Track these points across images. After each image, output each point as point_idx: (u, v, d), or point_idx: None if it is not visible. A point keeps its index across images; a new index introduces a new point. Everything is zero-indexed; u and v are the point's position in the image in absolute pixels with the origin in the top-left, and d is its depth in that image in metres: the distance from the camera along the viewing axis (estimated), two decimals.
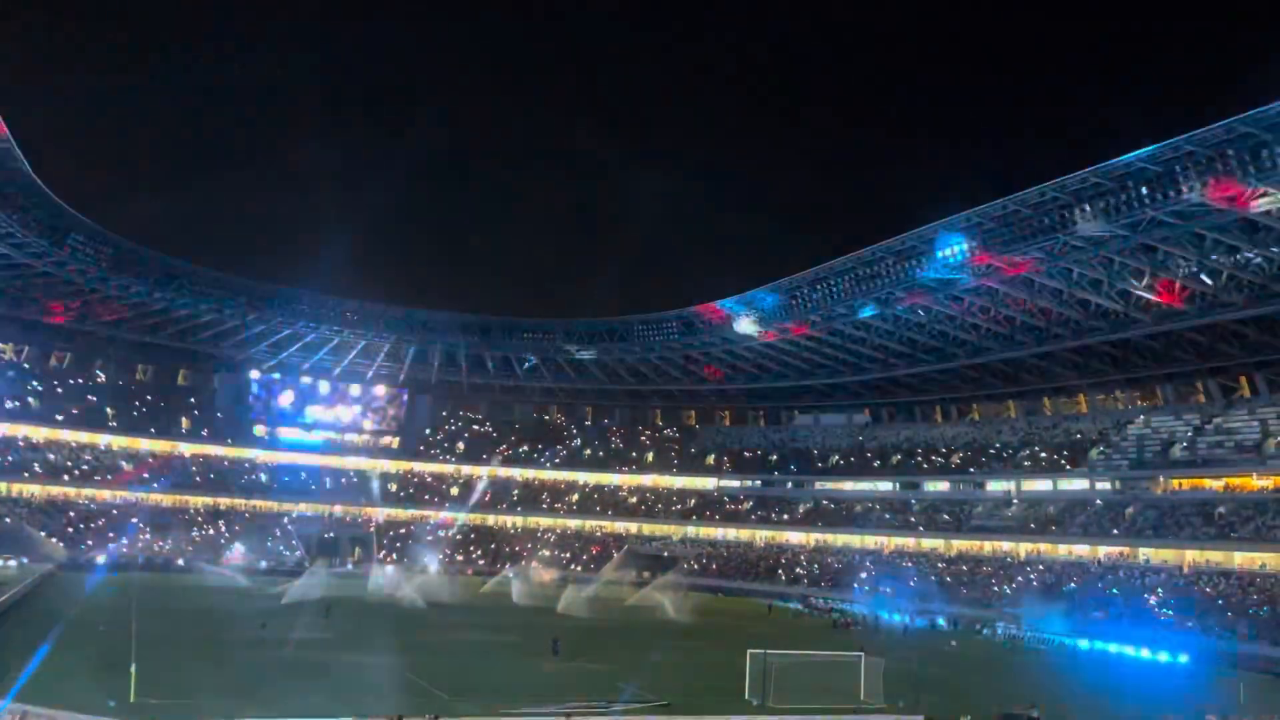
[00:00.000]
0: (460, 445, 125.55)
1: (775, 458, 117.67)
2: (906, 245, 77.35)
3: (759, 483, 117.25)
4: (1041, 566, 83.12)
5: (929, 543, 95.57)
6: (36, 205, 79.64)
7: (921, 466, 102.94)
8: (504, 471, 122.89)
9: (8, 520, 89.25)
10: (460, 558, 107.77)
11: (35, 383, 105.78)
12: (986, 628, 72.21)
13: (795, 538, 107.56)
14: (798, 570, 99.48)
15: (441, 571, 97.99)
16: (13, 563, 78.83)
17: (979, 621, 73.89)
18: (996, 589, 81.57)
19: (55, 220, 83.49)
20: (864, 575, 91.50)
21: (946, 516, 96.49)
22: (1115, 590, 73.82)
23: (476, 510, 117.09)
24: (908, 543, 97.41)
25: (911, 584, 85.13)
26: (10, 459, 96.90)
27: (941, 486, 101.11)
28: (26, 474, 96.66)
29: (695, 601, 79.37)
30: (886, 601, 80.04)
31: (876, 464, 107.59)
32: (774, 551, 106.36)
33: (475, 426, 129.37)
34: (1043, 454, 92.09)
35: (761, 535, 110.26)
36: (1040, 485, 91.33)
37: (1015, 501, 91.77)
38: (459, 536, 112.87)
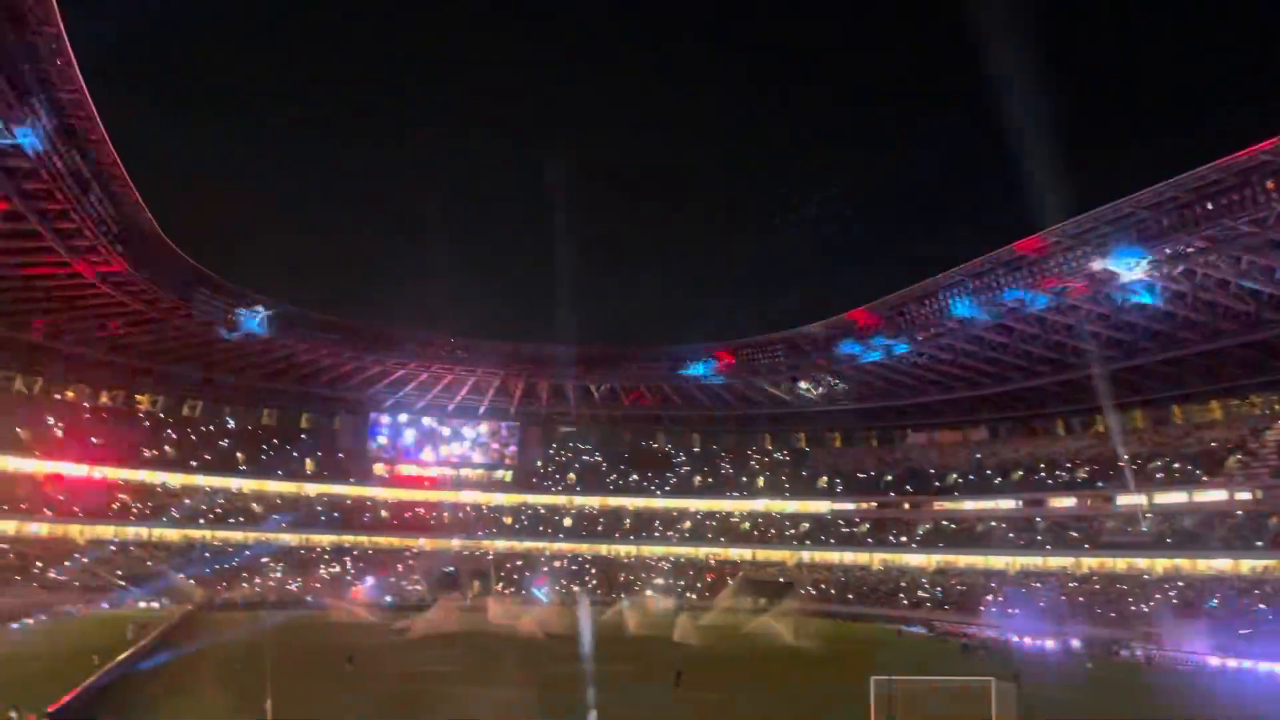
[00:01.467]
0: (571, 476, 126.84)
1: (890, 478, 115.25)
2: (1016, 254, 75.28)
3: (874, 504, 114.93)
4: (1180, 582, 79.15)
5: (1057, 561, 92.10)
6: (167, 262, 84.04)
7: (1045, 482, 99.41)
8: (615, 501, 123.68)
9: (149, 564, 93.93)
10: (576, 587, 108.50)
11: (170, 431, 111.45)
12: (1124, 648, 68.96)
13: (915, 560, 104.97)
14: (920, 594, 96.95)
15: (558, 602, 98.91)
16: (155, 604, 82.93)
17: (1115, 642, 70.61)
18: (1133, 608, 77.96)
19: (184, 275, 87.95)
20: (990, 597, 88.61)
21: (1074, 533, 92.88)
22: (1262, 605, 69.74)
23: (590, 540, 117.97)
24: (1034, 562, 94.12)
25: (1041, 605, 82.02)
26: (150, 505, 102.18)
27: (1068, 502, 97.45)
28: (165, 519, 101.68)
29: (814, 627, 78.06)
30: (1015, 624, 77.29)
31: (997, 481, 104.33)
32: (893, 574, 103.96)
33: (585, 457, 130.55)
34: (1175, 465, 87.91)
35: (879, 558, 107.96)
36: (1175, 497, 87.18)
37: (1148, 515, 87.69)
38: (574, 567, 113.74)
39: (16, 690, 32.51)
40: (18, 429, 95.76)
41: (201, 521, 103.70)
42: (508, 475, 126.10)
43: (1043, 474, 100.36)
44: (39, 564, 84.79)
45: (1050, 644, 71.60)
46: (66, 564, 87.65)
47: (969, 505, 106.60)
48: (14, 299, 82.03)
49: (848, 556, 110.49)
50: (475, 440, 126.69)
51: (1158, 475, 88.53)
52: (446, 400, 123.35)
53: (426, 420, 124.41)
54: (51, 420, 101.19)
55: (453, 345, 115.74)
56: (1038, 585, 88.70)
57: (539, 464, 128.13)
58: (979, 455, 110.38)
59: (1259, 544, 75.40)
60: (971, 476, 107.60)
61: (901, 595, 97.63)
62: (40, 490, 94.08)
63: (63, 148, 59.45)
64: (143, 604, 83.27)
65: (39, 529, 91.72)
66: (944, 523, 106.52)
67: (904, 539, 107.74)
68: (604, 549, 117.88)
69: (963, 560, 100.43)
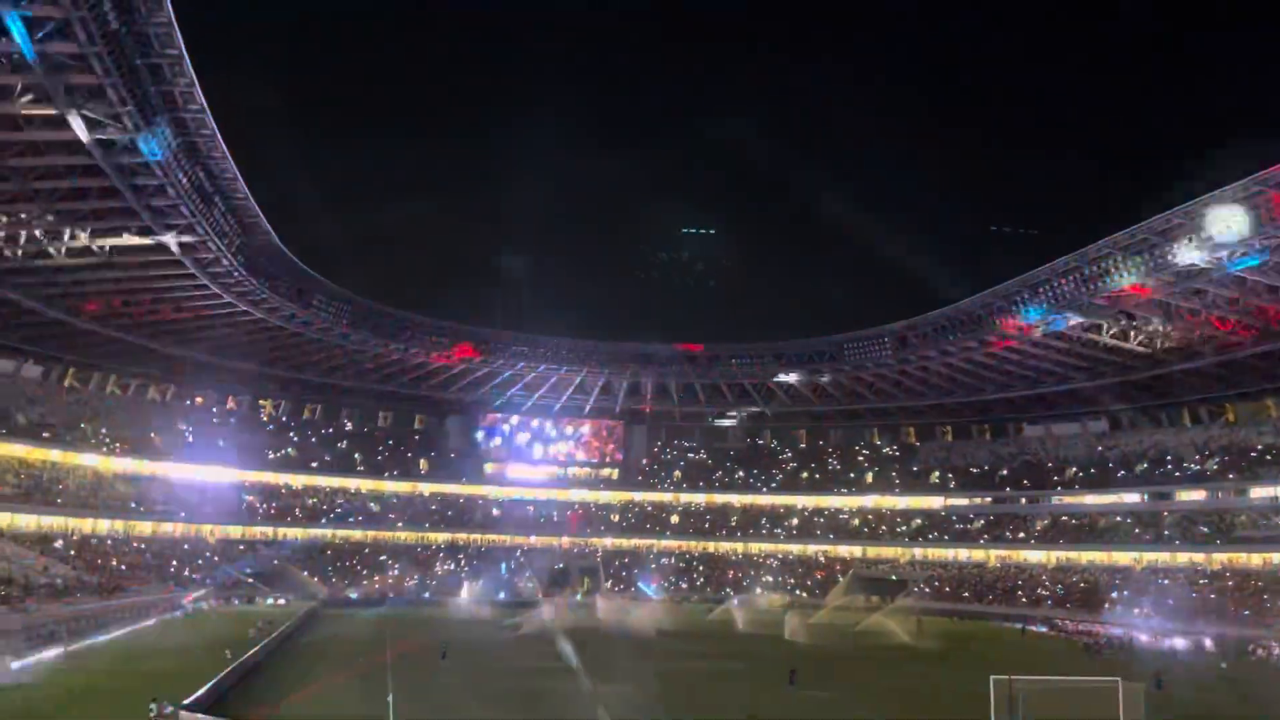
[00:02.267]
0: (677, 473, 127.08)
1: (1005, 473, 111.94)
2: (1136, 238, 71.98)
3: (989, 500, 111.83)
4: None
5: (1185, 557, 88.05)
6: (284, 271, 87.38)
7: (1172, 475, 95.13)
8: (721, 498, 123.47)
9: (275, 562, 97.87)
10: (684, 585, 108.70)
11: (293, 434, 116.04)
12: (1260, 648, 65.43)
13: (1034, 556, 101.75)
14: (1040, 591, 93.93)
15: (666, 599, 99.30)
16: (281, 600, 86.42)
17: (1252, 641, 67.05)
18: (1269, 605, 73.94)
19: (301, 283, 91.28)
20: (1114, 594, 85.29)
21: (1204, 528, 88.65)
22: None
23: (697, 537, 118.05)
24: (1162, 558, 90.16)
25: (1169, 602, 78.50)
26: (276, 505, 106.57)
27: (1197, 495, 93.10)
28: (289, 519, 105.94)
29: (929, 626, 76.49)
30: (1142, 622, 74.19)
31: (1120, 474, 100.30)
32: (1010, 572, 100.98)
33: (690, 454, 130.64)
34: None
35: (996, 555, 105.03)
36: None
37: None
38: (681, 564, 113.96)
39: (156, 682, 34.28)
40: (152, 434, 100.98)
41: (323, 521, 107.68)
42: (614, 473, 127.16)
43: (1169, 466, 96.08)
44: (174, 563, 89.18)
45: (1180, 643, 68.49)
46: (199, 562, 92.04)
47: (1090, 499, 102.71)
48: (145, 311, 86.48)
49: (962, 553, 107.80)
50: (581, 439, 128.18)
51: None
52: (553, 400, 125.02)
53: (534, 420, 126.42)
54: (183, 425, 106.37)
55: (558, 346, 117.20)
56: (1165, 582, 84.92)
57: (644, 462, 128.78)
58: (1100, 447, 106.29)
59: None
60: (1092, 470, 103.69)
61: (1020, 593, 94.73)
62: (174, 492, 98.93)
63: (186, 164, 62.32)
64: (269, 600, 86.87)
65: (173, 529, 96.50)
66: (1064, 518, 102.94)
67: (1021, 535, 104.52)
68: (711, 546, 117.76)
69: (1085, 556, 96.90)
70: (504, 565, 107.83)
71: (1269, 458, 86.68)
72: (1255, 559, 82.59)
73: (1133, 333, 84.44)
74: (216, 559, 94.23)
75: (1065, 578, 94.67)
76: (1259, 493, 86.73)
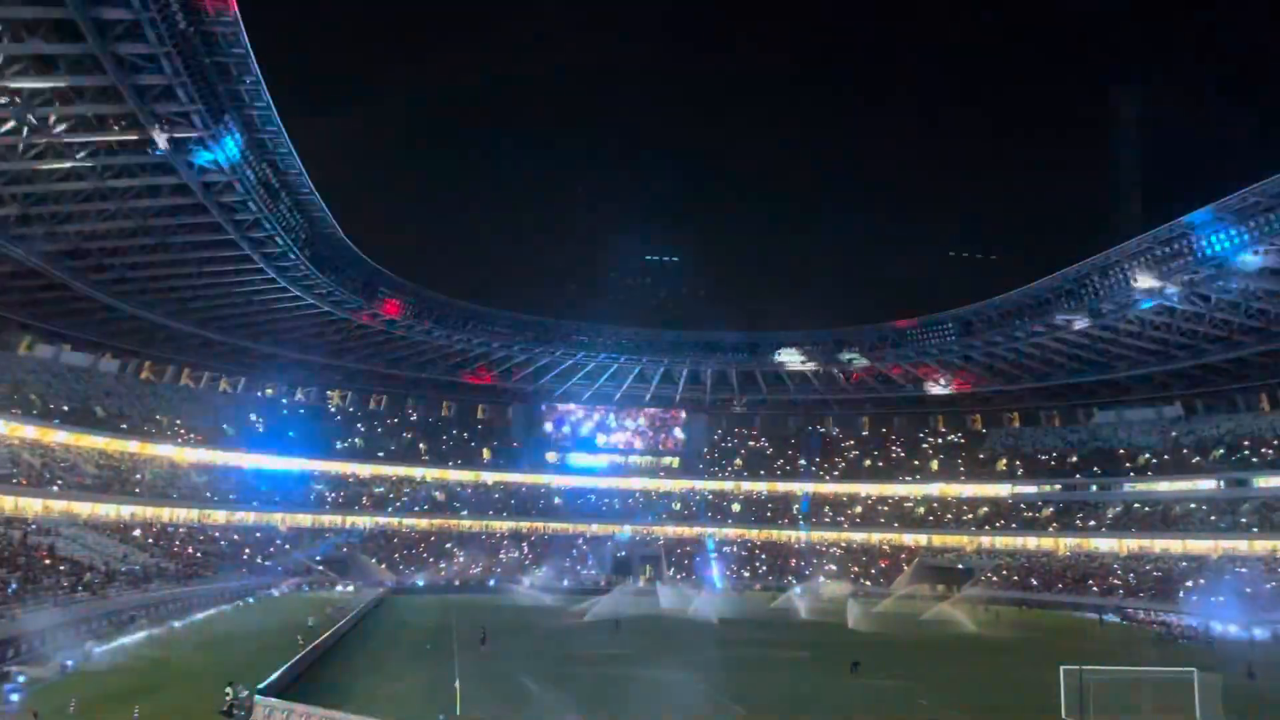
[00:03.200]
0: (738, 462, 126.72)
1: (1075, 459, 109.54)
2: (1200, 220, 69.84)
3: (1059, 487, 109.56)
4: None
5: (1265, 545, 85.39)
6: (350, 264, 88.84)
7: (1250, 461, 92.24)
8: (783, 486, 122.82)
9: (344, 549, 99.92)
10: (746, 573, 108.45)
11: (359, 424, 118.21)
12: None
13: (1105, 545, 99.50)
14: (1112, 580, 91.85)
15: (728, 587, 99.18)
16: (350, 587, 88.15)
17: None
18: None
19: (368, 276, 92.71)
20: (1189, 584, 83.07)
21: None
22: None
23: (759, 526, 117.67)
24: (1239, 546, 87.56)
25: (1247, 591, 76.15)
26: (344, 494, 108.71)
27: (1276, 482, 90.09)
28: (357, 507, 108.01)
29: (997, 615, 75.35)
30: (1219, 611, 72.10)
31: (1195, 460, 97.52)
32: (1081, 560, 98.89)
33: (751, 443, 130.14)
34: None
35: (1065, 543, 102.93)
36: None
37: None
38: (744, 552, 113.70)
39: (232, 668, 35.23)
40: (225, 425, 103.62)
41: (389, 509, 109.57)
42: (675, 461, 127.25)
43: (1246, 452, 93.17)
44: (246, 550, 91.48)
45: (1258, 633, 66.43)
46: (270, 550, 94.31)
47: (1164, 486, 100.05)
48: (216, 304, 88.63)
49: (1031, 541, 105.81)
50: (641, 428, 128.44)
51: None
52: (614, 388, 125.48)
53: (595, 409, 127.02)
54: (254, 416, 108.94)
55: (619, 335, 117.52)
56: (1243, 571, 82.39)
57: (705, 450, 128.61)
58: (1174, 433, 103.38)
59: None
60: (1166, 456, 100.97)
61: (1090, 582, 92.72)
62: (246, 481, 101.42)
63: (254, 160, 63.67)
64: (339, 587, 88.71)
65: (245, 517, 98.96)
66: (1136, 505, 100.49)
67: (1092, 523, 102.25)
68: (773, 534, 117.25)
69: (1158, 545, 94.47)
70: (567, 553, 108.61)
71: None
72: None
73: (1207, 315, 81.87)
74: (287, 547, 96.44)
75: (1138, 566, 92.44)
76: None
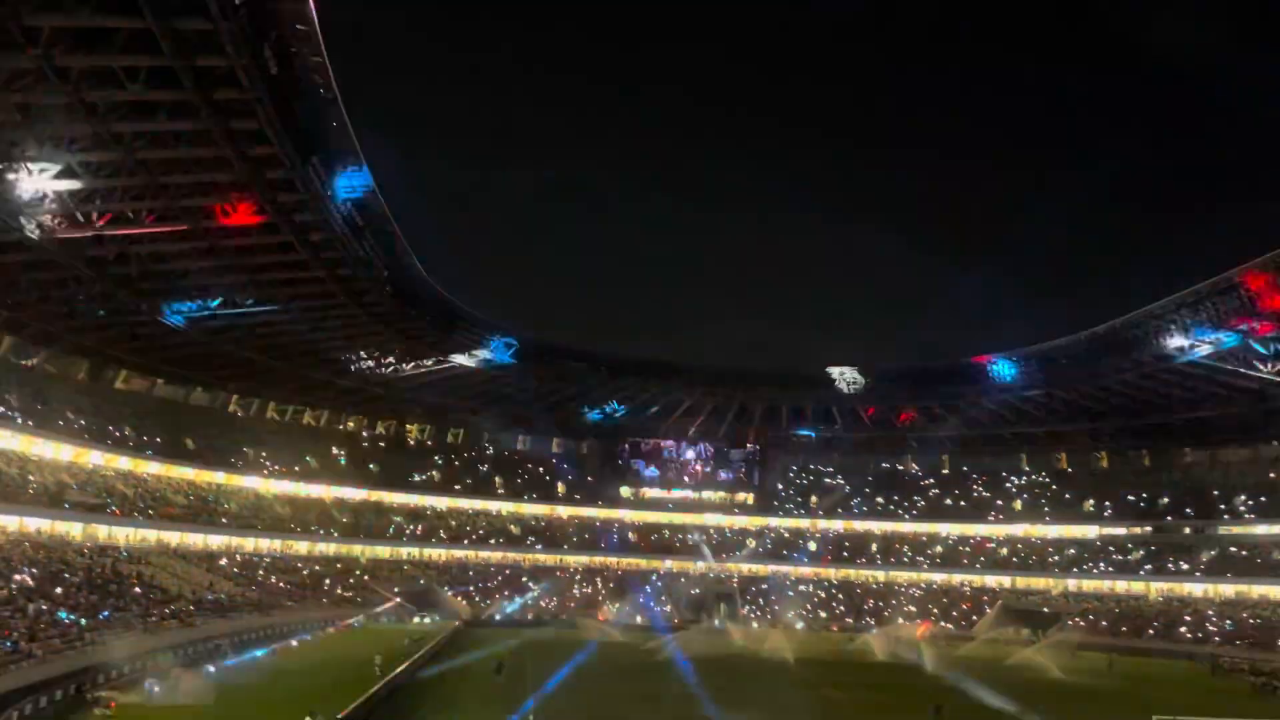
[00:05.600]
0: (814, 499, 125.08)
1: (1166, 500, 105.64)
2: None
3: (1149, 529, 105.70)
4: None
5: None
6: (430, 300, 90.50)
7: None
8: (860, 524, 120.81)
9: (422, 581, 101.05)
10: (823, 613, 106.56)
11: (437, 457, 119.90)
12: None
13: (1199, 589, 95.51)
14: (1208, 626, 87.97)
15: (805, 627, 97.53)
16: (428, 619, 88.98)
17: None
18: None
19: (445, 312, 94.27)
20: None
21: None
22: None
23: (835, 565, 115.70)
24: None
25: None
26: (422, 527, 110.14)
27: None
28: (434, 539, 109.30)
29: (1086, 662, 72.67)
30: None
31: None
32: (1173, 606, 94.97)
33: (827, 480, 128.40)
34: None
35: (1157, 587, 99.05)
36: None
37: None
38: (820, 592, 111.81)
39: (312, 697, 35.80)
40: (309, 458, 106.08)
41: (465, 542, 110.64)
42: (749, 498, 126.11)
43: None
44: (327, 581, 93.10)
45: None
46: (350, 580, 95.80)
47: (1261, 530, 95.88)
48: (304, 339, 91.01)
49: (1120, 585, 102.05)
50: (718, 463, 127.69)
51: None
52: (689, 424, 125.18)
53: (669, 444, 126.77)
54: (335, 449, 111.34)
55: (693, 371, 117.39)
56: None
57: (780, 487, 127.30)
58: (1271, 474, 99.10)
59: None
60: (1263, 498, 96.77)
61: (1184, 628, 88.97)
62: (327, 513, 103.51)
63: (339, 199, 65.47)
64: (416, 619, 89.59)
65: (326, 548, 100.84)
66: (1232, 549, 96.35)
67: (1185, 566, 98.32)
68: (850, 574, 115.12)
69: (1256, 590, 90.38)
70: (640, 589, 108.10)
71: None
72: None
73: None
74: (366, 578, 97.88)
75: (1235, 612, 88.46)
76: None
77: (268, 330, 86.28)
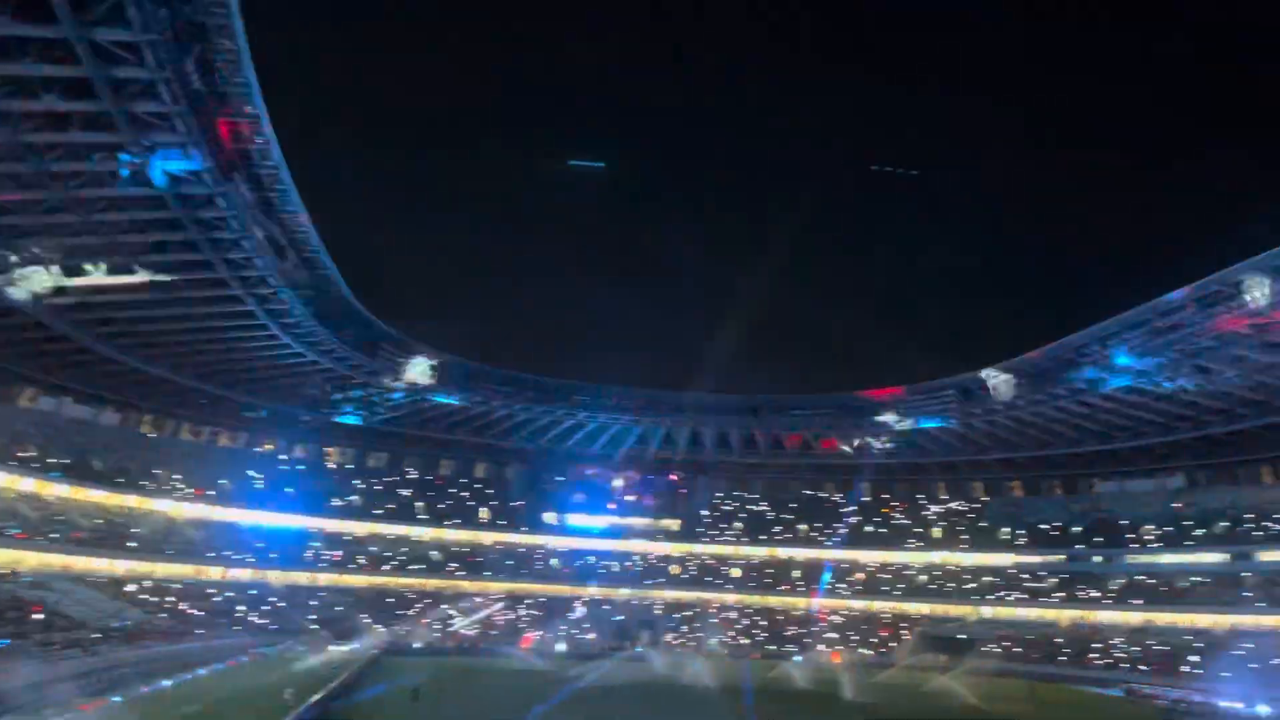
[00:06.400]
0: (738, 526, 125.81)
1: (1078, 530, 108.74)
2: (1210, 290, 70.32)
3: (1063, 558, 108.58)
4: None
5: (1271, 620, 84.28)
6: (353, 321, 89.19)
7: (1253, 534, 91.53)
8: (784, 552, 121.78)
9: (339, 608, 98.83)
10: (745, 640, 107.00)
11: (357, 481, 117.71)
12: None
13: (1109, 617, 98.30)
14: (1115, 654, 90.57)
15: (727, 654, 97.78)
16: (345, 647, 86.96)
17: None
18: None
19: (369, 334, 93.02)
20: (1195, 659, 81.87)
21: None
22: None
23: (758, 591, 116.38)
24: (1244, 620, 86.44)
25: (1254, 667, 75.01)
26: (340, 553, 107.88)
27: (1279, 556, 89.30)
28: (353, 566, 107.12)
29: (1000, 688, 74.16)
30: (1226, 688, 70.91)
31: (1198, 532, 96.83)
32: (1084, 633, 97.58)
33: (751, 507, 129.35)
34: None
35: (1068, 615, 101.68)
36: None
37: None
38: (743, 619, 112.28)
39: None
40: (223, 481, 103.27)
41: (386, 568, 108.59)
42: (674, 525, 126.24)
43: (1249, 525, 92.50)
44: (241, 608, 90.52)
45: (1263, 711, 65.23)
46: (265, 608, 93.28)
47: (1167, 559, 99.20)
48: (218, 359, 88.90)
49: (1034, 613, 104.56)
50: (643, 490, 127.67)
51: None
52: (614, 449, 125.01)
53: (595, 469, 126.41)
54: (252, 472, 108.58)
55: (620, 396, 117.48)
56: (1251, 646, 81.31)
57: (705, 514, 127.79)
58: (1177, 505, 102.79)
59: None
60: (1169, 528, 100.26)
61: (1094, 655, 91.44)
62: (243, 538, 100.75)
63: (261, 218, 64.35)
64: (331, 647, 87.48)
65: (240, 574, 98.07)
66: (1140, 577, 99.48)
67: (1095, 595, 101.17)
68: (773, 600, 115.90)
69: (1162, 618, 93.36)
70: (564, 616, 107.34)
71: None
72: None
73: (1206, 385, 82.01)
74: (283, 605, 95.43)
75: (1142, 639, 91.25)
76: None
77: (182, 349, 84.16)
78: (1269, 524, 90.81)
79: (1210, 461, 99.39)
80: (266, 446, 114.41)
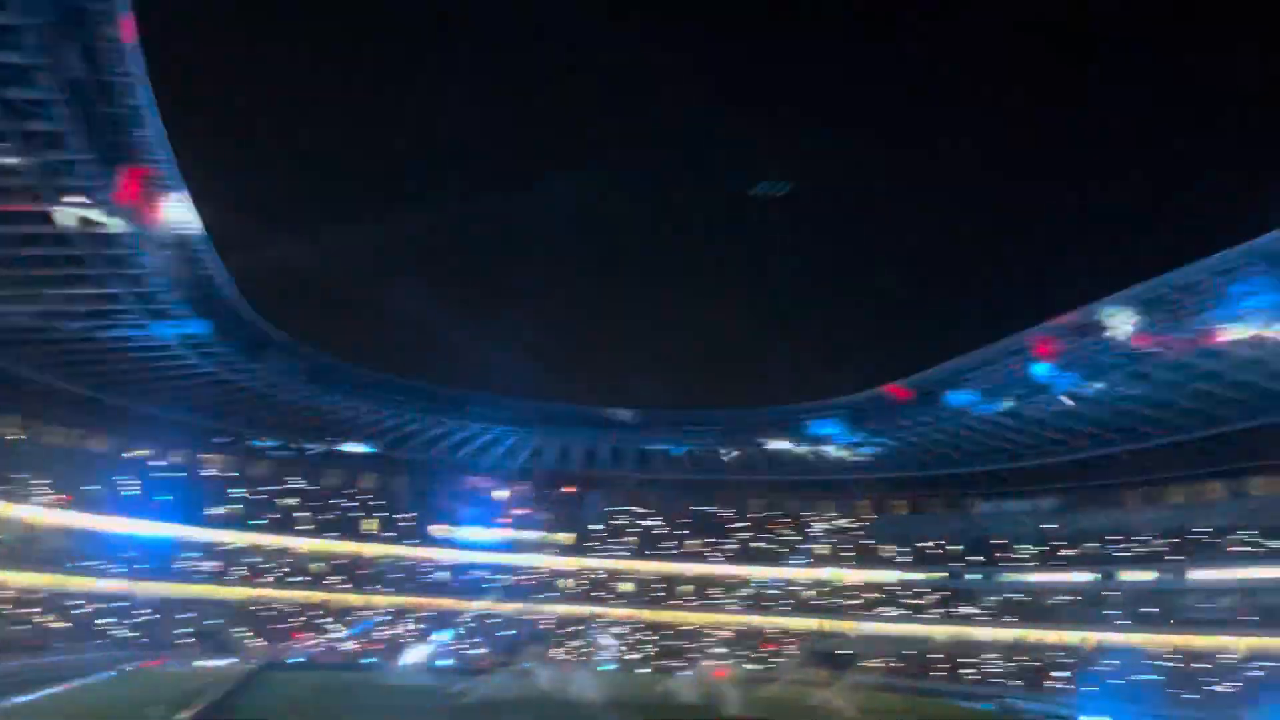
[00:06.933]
0: (631, 540, 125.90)
1: (959, 548, 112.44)
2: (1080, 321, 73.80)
3: (944, 575, 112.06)
4: (1268, 662, 75.43)
5: (1133, 638, 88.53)
6: (238, 324, 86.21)
7: (1119, 555, 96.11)
8: (675, 567, 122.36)
9: (213, 622, 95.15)
10: (635, 655, 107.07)
11: (237, 490, 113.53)
12: None
13: (984, 633, 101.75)
14: (989, 668, 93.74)
15: (615, 669, 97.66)
16: (219, 662, 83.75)
17: None
18: (1215, 688, 74.40)
19: (256, 337, 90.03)
20: (1063, 674, 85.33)
21: (1153, 609, 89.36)
22: None
23: (649, 606, 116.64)
24: (1110, 637, 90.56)
25: (1117, 683, 78.65)
26: (217, 564, 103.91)
27: (1144, 576, 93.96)
28: (230, 577, 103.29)
29: (881, 701, 75.87)
30: (1091, 702, 74.10)
31: (1069, 553, 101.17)
32: (961, 648, 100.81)
33: (644, 521, 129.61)
34: (1259, 538, 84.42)
35: (947, 631, 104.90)
36: (1257, 572, 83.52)
37: (1231, 591, 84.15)
38: (633, 633, 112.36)
39: None
40: (93, 487, 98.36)
41: (265, 580, 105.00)
42: (566, 539, 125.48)
43: (1116, 546, 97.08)
44: (110, 619, 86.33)
45: None
46: (135, 620, 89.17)
47: (1039, 577, 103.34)
48: (93, 360, 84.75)
49: (914, 628, 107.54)
50: (535, 502, 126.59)
51: (1238, 549, 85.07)
52: (508, 462, 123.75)
53: (487, 482, 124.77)
54: (125, 479, 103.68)
55: (515, 408, 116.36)
56: (1115, 662, 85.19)
57: (599, 528, 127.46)
58: (1050, 525, 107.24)
59: None
60: (1043, 548, 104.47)
61: (970, 669, 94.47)
62: (112, 548, 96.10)
63: (143, 213, 61.67)
64: (205, 662, 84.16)
65: (108, 585, 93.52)
66: (1014, 595, 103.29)
67: (972, 611, 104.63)
68: (663, 615, 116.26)
69: (1033, 634, 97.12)
70: (450, 631, 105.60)
71: (1212, 540, 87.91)
72: (1199, 641, 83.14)
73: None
74: (154, 617, 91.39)
75: (1014, 655, 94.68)
76: (1203, 575, 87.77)
77: (53, 348, 79.97)
78: (1134, 545, 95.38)
79: (1080, 485, 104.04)
80: (140, 452, 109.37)
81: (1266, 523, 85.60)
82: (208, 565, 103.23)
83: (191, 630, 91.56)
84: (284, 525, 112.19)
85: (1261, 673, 74.21)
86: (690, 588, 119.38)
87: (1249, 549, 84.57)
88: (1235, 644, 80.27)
